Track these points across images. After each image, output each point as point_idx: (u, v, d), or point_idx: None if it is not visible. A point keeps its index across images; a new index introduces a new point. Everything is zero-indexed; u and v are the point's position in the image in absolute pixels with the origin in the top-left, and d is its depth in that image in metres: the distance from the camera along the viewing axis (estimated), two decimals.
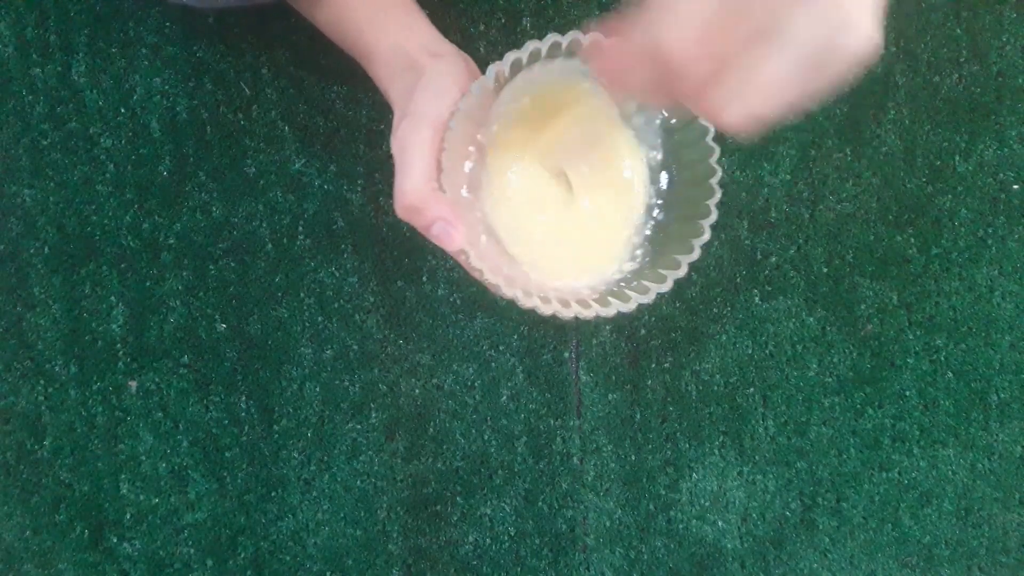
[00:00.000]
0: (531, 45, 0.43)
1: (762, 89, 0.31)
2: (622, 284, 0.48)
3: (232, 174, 0.69)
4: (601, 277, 0.48)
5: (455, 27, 0.68)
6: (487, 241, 0.46)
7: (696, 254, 0.45)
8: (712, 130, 0.46)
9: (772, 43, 0.30)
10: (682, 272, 0.45)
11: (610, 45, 0.34)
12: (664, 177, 0.49)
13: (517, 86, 0.46)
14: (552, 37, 0.43)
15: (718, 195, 0.46)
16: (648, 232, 0.49)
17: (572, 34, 0.43)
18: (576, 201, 0.49)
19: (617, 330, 0.70)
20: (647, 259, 0.48)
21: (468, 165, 0.47)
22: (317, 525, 0.70)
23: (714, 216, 0.45)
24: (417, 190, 0.43)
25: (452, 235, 0.43)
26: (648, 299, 0.45)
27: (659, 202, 0.49)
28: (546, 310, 0.44)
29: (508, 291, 0.43)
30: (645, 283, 0.46)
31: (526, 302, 0.43)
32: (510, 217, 0.48)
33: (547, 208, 0.48)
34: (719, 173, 0.46)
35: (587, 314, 0.44)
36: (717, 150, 0.46)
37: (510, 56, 0.43)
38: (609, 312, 0.44)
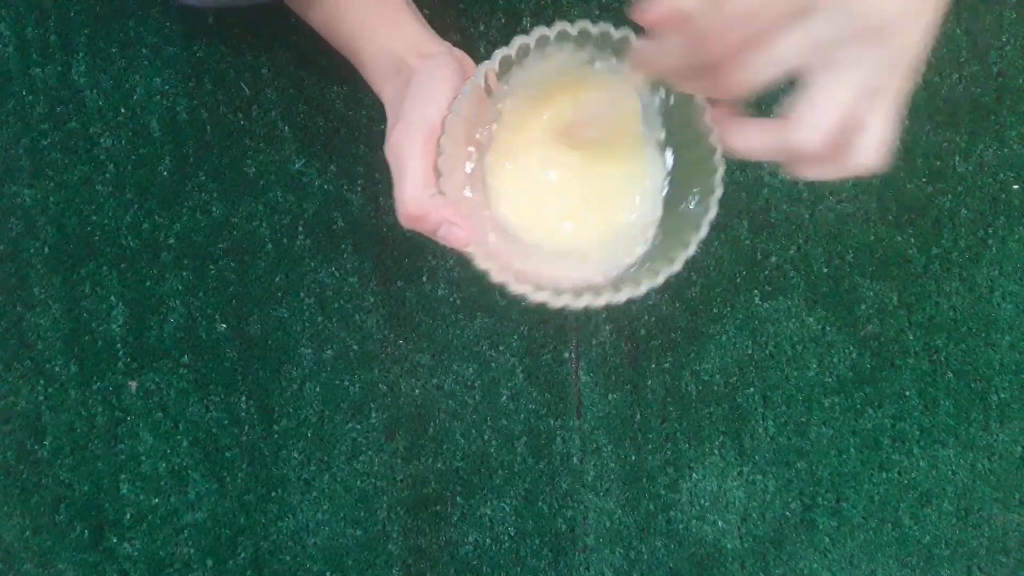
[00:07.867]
0: (519, 40, 0.43)
1: (775, 60, 0.33)
2: (634, 268, 0.48)
3: (232, 174, 0.69)
4: (614, 260, 0.48)
5: (455, 27, 0.68)
6: (496, 239, 0.46)
7: (704, 231, 0.45)
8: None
9: (800, 21, 0.32)
10: (691, 251, 0.45)
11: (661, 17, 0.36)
12: (669, 156, 0.49)
13: (512, 81, 0.46)
14: (539, 30, 0.43)
15: (722, 170, 0.45)
16: (659, 212, 0.49)
17: (558, 25, 0.43)
18: (585, 186, 0.49)
19: (617, 330, 0.70)
20: (658, 241, 0.48)
21: (469, 166, 0.47)
22: (317, 525, 0.70)
23: (720, 191, 0.45)
24: (416, 199, 0.43)
25: (458, 234, 0.44)
26: (657, 283, 0.44)
27: (667, 180, 0.49)
28: (557, 303, 0.44)
29: (517, 288, 0.44)
30: (655, 267, 0.46)
31: (536, 297, 0.44)
32: (518, 208, 0.48)
33: (556, 195, 0.48)
34: (719, 150, 0.46)
35: (598, 303, 0.44)
36: (715, 129, 0.46)
37: (499, 53, 0.43)
38: (620, 299, 0.44)
